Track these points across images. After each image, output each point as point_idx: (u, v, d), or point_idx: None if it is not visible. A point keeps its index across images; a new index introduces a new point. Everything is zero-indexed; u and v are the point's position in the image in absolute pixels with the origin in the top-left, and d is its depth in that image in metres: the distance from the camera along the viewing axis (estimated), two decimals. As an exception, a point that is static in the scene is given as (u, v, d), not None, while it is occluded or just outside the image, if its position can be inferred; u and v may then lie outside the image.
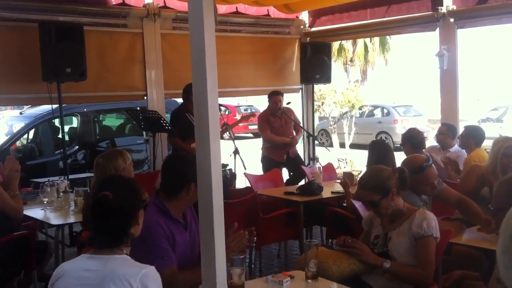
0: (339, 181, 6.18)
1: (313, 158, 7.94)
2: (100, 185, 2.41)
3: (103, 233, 2.27)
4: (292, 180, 7.33)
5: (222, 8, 7.58)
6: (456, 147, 6.40)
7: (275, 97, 7.43)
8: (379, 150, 5.09)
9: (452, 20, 7.22)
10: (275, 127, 7.47)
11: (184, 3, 6.83)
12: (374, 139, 18.44)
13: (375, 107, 19.84)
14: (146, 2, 7.18)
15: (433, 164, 4.00)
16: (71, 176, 6.61)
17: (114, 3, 6.99)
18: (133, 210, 2.31)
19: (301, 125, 8.22)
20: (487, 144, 5.54)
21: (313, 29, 8.94)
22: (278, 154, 7.45)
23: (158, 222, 2.97)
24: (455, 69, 7.33)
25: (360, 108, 16.40)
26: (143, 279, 2.15)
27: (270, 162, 7.41)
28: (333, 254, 3.27)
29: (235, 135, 6.91)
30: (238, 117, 21.58)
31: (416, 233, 3.17)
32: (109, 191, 2.25)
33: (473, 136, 5.97)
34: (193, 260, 3.11)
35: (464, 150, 6.17)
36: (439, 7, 7.22)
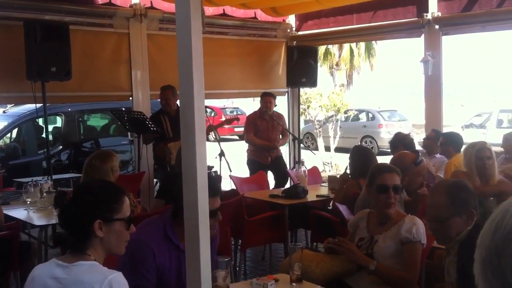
0: (324, 184, 6.20)
1: (299, 161, 7.95)
2: (84, 183, 2.36)
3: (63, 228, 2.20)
4: (277, 184, 7.34)
5: (209, 10, 7.58)
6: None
7: (266, 97, 7.46)
8: (365, 155, 5.12)
9: (437, 26, 7.30)
10: (260, 129, 7.48)
11: (171, 4, 6.82)
12: (359, 143, 18.56)
13: (360, 111, 19.95)
14: (132, 2, 7.16)
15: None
16: (54, 176, 6.54)
17: (100, 2, 6.95)
18: (82, 220, 2.13)
19: (287, 128, 8.24)
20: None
21: (300, 33, 8.98)
22: (262, 156, 7.46)
23: (151, 246, 2.80)
24: (440, 75, 7.40)
25: (345, 112, 16.47)
26: (109, 285, 2.05)
27: (255, 164, 7.43)
28: (316, 256, 3.28)
29: (221, 137, 6.88)
30: (223, 119, 21.57)
31: (404, 237, 3.20)
32: (75, 193, 2.20)
33: (452, 142, 6.04)
34: None
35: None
36: (425, 14, 7.29)
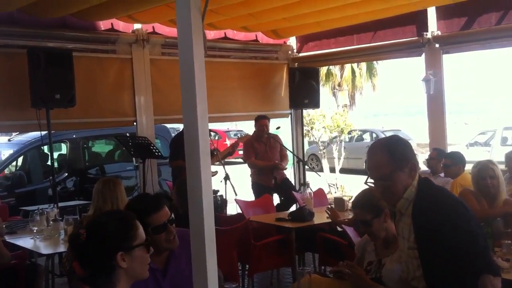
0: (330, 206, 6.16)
1: (304, 184, 7.91)
2: (94, 219, 2.32)
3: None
4: (283, 206, 7.28)
5: (211, 34, 7.64)
6: (446, 172, 6.39)
7: (261, 120, 7.46)
8: None
9: (437, 45, 7.33)
10: (259, 152, 7.46)
11: (173, 29, 6.89)
12: (364, 163, 18.43)
13: (364, 131, 19.95)
14: (135, 28, 7.22)
15: None
16: (60, 204, 6.53)
17: (103, 28, 7.02)
18: (104, 257, 2.12)
19: (291, 150, 8.20)
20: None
21: (301, 54, 9.03)
22: (265, 179, 7.41)
23: None
24: (442, 93, 7.41)
25: (349, 133, 16.46)
26: None
27: (260, 187, 7.39)
28: (326, 282, 3.24)
29: (225, 160, 6.86)
30: (228, 142, 21.53)
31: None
32: (88, 231, 2.14)
33: (461, 161, 5.95)
34: None
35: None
36: (425, 33, 7.33)
